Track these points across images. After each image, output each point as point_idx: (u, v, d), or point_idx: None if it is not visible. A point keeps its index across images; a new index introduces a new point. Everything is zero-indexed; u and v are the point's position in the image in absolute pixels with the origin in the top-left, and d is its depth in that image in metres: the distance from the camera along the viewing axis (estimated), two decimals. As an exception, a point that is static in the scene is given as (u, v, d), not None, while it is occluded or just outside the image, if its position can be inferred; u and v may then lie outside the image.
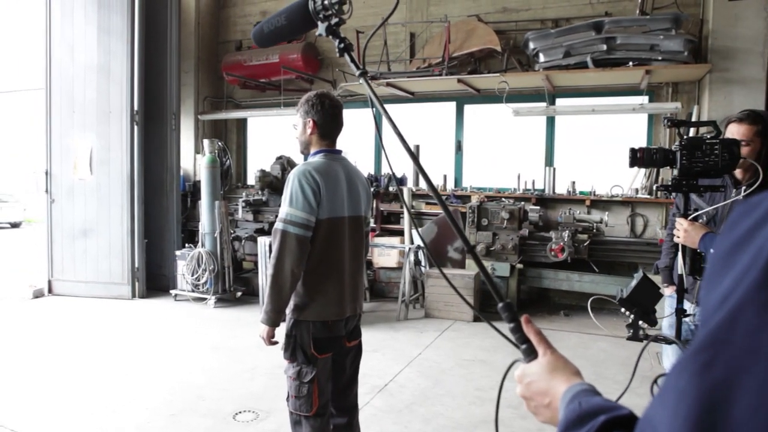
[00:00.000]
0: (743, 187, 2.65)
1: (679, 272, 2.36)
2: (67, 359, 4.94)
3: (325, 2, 1.27)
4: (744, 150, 2.58)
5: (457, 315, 6.36)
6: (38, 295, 7.19)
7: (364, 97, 8.28)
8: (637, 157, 2.34)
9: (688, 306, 2.88)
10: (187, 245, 7.33)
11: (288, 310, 2.47)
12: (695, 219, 2.39)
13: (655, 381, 1.28)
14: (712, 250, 0.54)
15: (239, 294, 7.23)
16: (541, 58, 6.70)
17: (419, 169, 1.12)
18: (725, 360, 0.45)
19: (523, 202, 7.01)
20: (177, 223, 7.79)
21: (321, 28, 1.29)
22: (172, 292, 7.18)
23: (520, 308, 6.81)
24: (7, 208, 17.37)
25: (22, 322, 6.12)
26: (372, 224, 7.75)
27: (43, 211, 7.46)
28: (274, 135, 9.23)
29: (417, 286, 6.92)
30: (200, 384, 4.40)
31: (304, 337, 2.44)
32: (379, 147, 8.53)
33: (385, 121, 1.17)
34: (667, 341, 2.29)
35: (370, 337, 5.55)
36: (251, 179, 9.09)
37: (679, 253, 2.36)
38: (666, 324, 3.03)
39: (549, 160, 7.57)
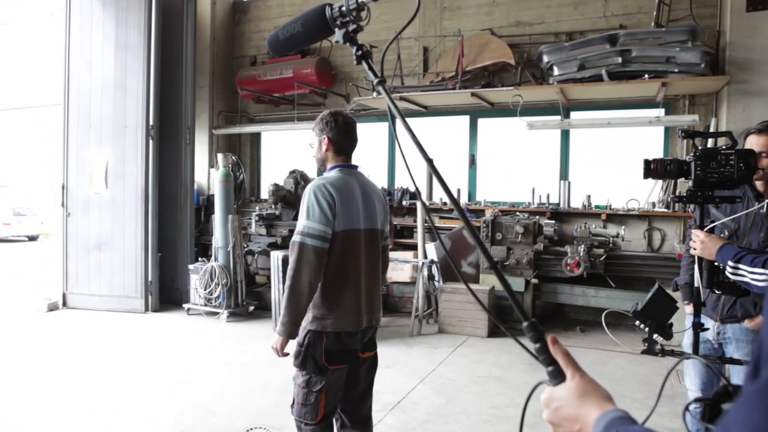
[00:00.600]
0: (766, 200, 2.58)
1: (696, 285, 2.30)
2: (79, 373, 4.93)
3: (343, 8, 1.24)
4: (764, 162, 2.53)
5: (471, 330, 6.27)
6: (53, 308, 7.23)
7: (378, 111, 8.30)
8: (651, 168, 2.30)
9: (710, 323, 2.81)
10: (200, 259, 7.34)
11: (304, 321, 2.47)
12: (712, 231, 2.33)
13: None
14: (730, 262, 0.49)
15: (252, 308, 7.21)
16: (555, 71, 6.66)
17: (440, 181, 1.07)
18: None
19: (537, 216, 6.93)
20: (190, 237, 7.81)
21: (338, 34, 1.26)
22: (185, 306, 7.18)
23: (536, 324, 6.70)
24: (25, 222, 17.62)
25: (36, 336, 6.14)
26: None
27: (59, 224, 7.53)
28: (288, 149, 9.26)
29: (430, 301, 6.85)
30: (212, 400, 4.36)
31: (317, 347, 2.45)
32: (392, 161, 8.52)
33: (404, 133, 1.13)
34: (688, 357, 2.22)
35: (384, 353, 5.45)
36: (264, 193, 9.11)
37: (696, 266, 2.30)
38: (686, 342, 2.95)
39: (564, 174, 7.49)
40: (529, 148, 7.67)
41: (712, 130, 6.23)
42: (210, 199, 8.50)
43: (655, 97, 6.63)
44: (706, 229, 2.27)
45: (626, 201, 6.91)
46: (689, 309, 2.90)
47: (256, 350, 5.58)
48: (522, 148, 7.72)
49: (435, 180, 1.03)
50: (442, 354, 5.63)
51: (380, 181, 8.44)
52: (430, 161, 1.07)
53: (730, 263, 2.15)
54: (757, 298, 2.34)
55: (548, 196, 7.35)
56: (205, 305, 7.00)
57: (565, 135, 7.51)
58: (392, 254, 7.32)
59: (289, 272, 2.39)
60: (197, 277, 7.02)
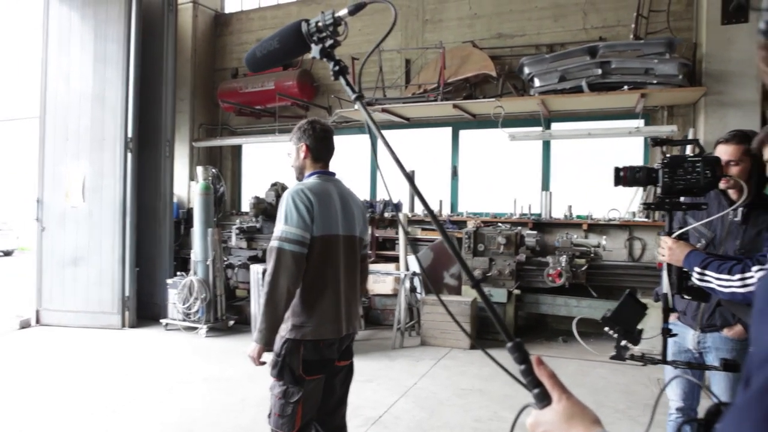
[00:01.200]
0: (737, 206, 2.60)
1: (664, 291, 2.30)
2: (52, 393, 4.77)
3: (319, 24, 1.22)
4: (734, 170, 2.56)
5: (453, 343, 6.21)
6: (25, 325, 7.03)
7: (360, 123, 8.28)
8: (621, 176, 2.34)
9: (690, 332, 2.79)
10: (179, 273, 7.21)
11: (282, 330, 2.42)
12: (685, 238, 2.34)
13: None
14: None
15: (231, 323, 7.08)
16: (536, 82, 6.70)
17: (417, 195, 1.05)
18: None
19: (519, 227, 6.92)
20: (169, 251, 7.69)
21: (315, 50, 1.24)
22: (163, 321, 7.04)
23: (518, 335, 6.64)
24: (0, 236, 17.25)
25: (6, 355, 5.95)
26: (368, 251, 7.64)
27: (34, 238, 7.36)
28: (269, 162, 9.20)
29: (413, 313, 6.79)
30: (190, 418, 4.24)
31: (294, 357, 2.40)
32: (374, 173, 8.49)
33: (382, 146, 1.10)
34: (656, 362, 2.21)
35: (365, 367, 5.40)
36: (246, 206, 9.02)
37: (664, 272, 2.30)
38: (669, 352, 2.92)
39: (545, 185, 7.51)
40: (511, 159, 7.70)
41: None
42: (190, 213, 8.38)
43: (634, 107, 6.69)
44: (674, 235, 2.28)
45: (607, 211, 6.94)
46: (671, 318, 2.89)
47: (235, 366, 5.47)
48: (504, 159, 7.74)
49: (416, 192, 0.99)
50: (424, 367, 5.56)
51: (362, 193, 8.40)
52: (410, 179, 1.04)
53: (697, 269, 2.15)
54: (734, 307, 2.32)
55: (530, 207, 7.36)
56: (184, 320, 6.86)
57: (547, 146, 7.54)
58: (374, 266, 7.27)
59: (267, 278, 2.34)
60: (176, 292, 6.89)
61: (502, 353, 0.89)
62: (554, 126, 7.41)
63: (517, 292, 6.51)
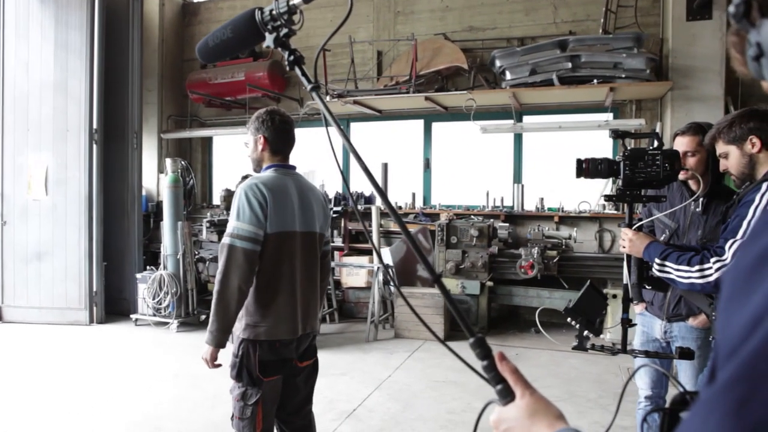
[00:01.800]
0: (697, 197, 2.67)
1: (624, 281, 2.36)
2: (14, 393, 4.63)
3: (273, 12, 1.17)
4: (691, 161, 2.62)
5: (427, 335, 6.24)
6: (-13, 322, 6.81)
7: (333, 115, 8.20)
8: (583, 168, 2.37)
9: (657, 322, 2.86)
10: (148, 267, 7.06)
11: (237, 330, 2.37)
12: (642, 229, 2.40)
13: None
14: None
15: (203, 317, 6.98)
16: (508, 75, 6.73)
17: (376, 188, 1.02)
18: (767, 396, 0.37)
19: (492, 220, 6.98)
20: (138, 245, 7.53)
21: (269, 39, 1.19)
22: (133, 316, 6.89)
23: (491, 326, 6.75)
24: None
25: (-31, 352, 5.76)
26: (341, 244, 7.62)
27: (-5, 233, 7.12)
28: (240, 154, 9.02)
29: (387, 305, 6.80)
30: (160, 414, 4.17)
31: (251, 358, 2.35)
32: (347, 166, 8.44)
33: (345, 139, 1.08)
34: (617, 352, 2.26)
35: (338, 360, 5.39)
36: (217, 199, 8.88)
37: (624, 263, 2.36)
38: (637, 342, 2.99)
39: (517, 177, 7.58)
40: (483, 151, 7.74)
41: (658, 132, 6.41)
42: (159, 206, 8.21)
43: (603, 101, 6.79)
44: (634, 227, 2.33)
45: (578, 203, 7.05)
46: (639, 309, 2.95)
47: (206, 361, 5.39)
48: (476, 152, 7.77)
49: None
50: (398, 359, 5.58)
51: (335, 185, 8.36)
52: (366, 169, 1.02)
53: (657, 260, 2.20)
54: (693, 297, 2.38)
55: (502, 200, 7.42)
56: (154, 315, 6.74)
57: (518, 139, 7.60)
58: (347, 259, 7.25)
59: (218, 276, 2.27)
60: (145, 287, 6.76)
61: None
62: (525, 119, 7.47)
63: (489, 284, 6.57)
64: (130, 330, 6.72)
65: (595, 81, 6.32)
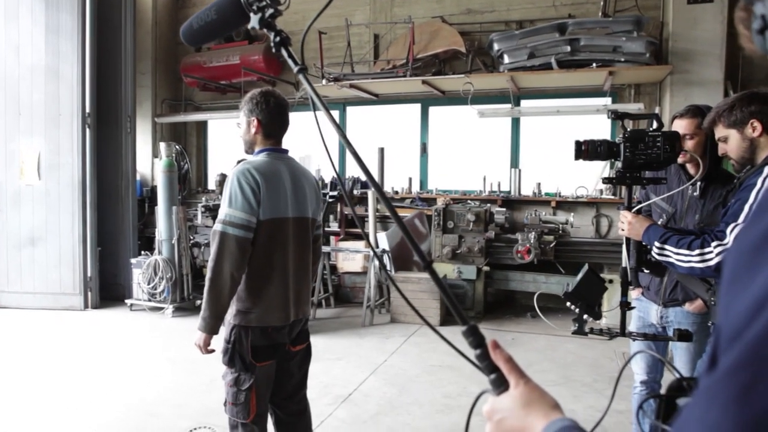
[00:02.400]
0: (695, 180, 2.64)
1: (623, 265, 2.34)
2: (10, 377, 4.62)
3: None
4: (689, 143, 2.59)
5: (424, 320, 6.23)
6: (-20, 308, 6.78)
7: (328, 100, 8.12)
8: (582, 150, 2.34)
9: (653, 307, 2.84)
10: (143, 252, 7.03)
11: (229, 315, 2.36)
12: (641, 212, 2.38)
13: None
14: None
15: (198, 302, 6.92)
16: (506, 59, 6.66)
17: (366, 173, 0.98)
18: None
19: (489, 204, 6.95)
20: (133, 230, 7.49)
21: (254, 20, 1.14)
22: (128, 302, 6.88)
23: (487, 311, 6.75)
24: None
25: (-37, 338, 5.74)
26: (337, 228, 7.59)
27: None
28: (236, 138, 8.95)
29: (382, 290, 6.79)
30: (155, 400, 4.17)
31: (243, 343, 2.34)
32: (342, 150, 8.38)
33: (345, 123, 1.03)
34: (615, 335, 2.25)
35: (334, 344, 5.39)
36: (212, 184, 8.83)
37: (624, 246, 2.34)
38: (633, 327, 2.97)
39: (515, 162, 7.54)
40: (481, 136, 7.68)
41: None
42: (154, 191, 8.15)
43: (602, 85, 6.73)
44: (633, 210, 2.31)
45: (575, 188, 7.02)
46: (635, 294, 2.93)
47: (202, 346, 5.38)
48: (473, 136, 7.72)
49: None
50: (394, 344, 5.58)
51: (331, 170, 8.30)
52: (355, 153, 0.98)
53: (657, 244, 2.17)
54: (690, 282, 2.36)
55: (499, 184, 7.39)
56: (149, 300, 6.72)
57: (516, 123, 7.55)
58: (343, 244, 7.22)
59: (210, 263, 2.25)
60: (140, 272, 6.73)
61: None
62: (523, 103, 7.41)
63: (486, 268, 6.56)
64: (125, 315, 6.70)
65: (594, 65, 6.25)
